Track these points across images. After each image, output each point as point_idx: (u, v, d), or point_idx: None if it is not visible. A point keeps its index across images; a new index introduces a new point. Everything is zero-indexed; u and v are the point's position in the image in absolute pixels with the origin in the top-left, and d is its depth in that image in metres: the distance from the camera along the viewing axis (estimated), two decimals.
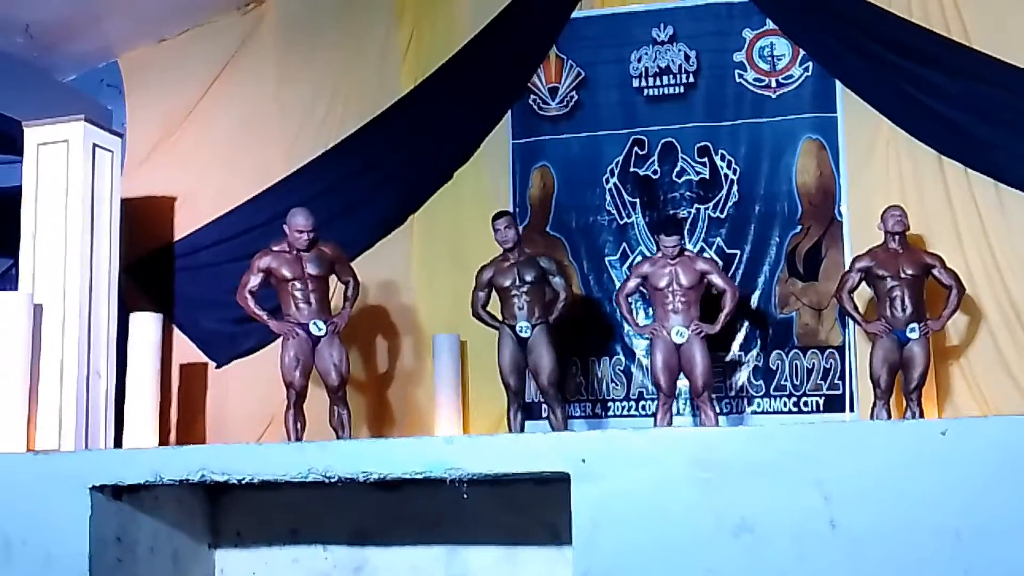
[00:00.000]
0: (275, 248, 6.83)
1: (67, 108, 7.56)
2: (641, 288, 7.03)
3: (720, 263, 7.34)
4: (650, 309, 7.24)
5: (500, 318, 7.00)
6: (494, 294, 7.06)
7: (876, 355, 6.72)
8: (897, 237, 6.73)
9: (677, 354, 6.78)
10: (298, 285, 6.75)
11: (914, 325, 6.62)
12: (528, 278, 6.90)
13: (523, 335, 6.86)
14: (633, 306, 7.25)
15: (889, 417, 6.64)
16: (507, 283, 6.94)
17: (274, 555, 4.42)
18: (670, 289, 6.81)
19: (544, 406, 7.20)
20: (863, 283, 6.86)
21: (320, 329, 6.72)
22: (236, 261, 8.14)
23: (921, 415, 6.62)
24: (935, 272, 6.74)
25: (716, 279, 6.87)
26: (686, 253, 6.97)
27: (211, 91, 8.49)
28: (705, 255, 7.41)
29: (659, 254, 6.93)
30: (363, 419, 7.74)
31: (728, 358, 7.57)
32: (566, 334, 7.42)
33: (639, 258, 7.67)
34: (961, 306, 6.85)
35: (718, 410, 7.07)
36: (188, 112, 8.52)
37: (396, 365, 8.06)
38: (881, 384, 6.68)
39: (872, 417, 6.68)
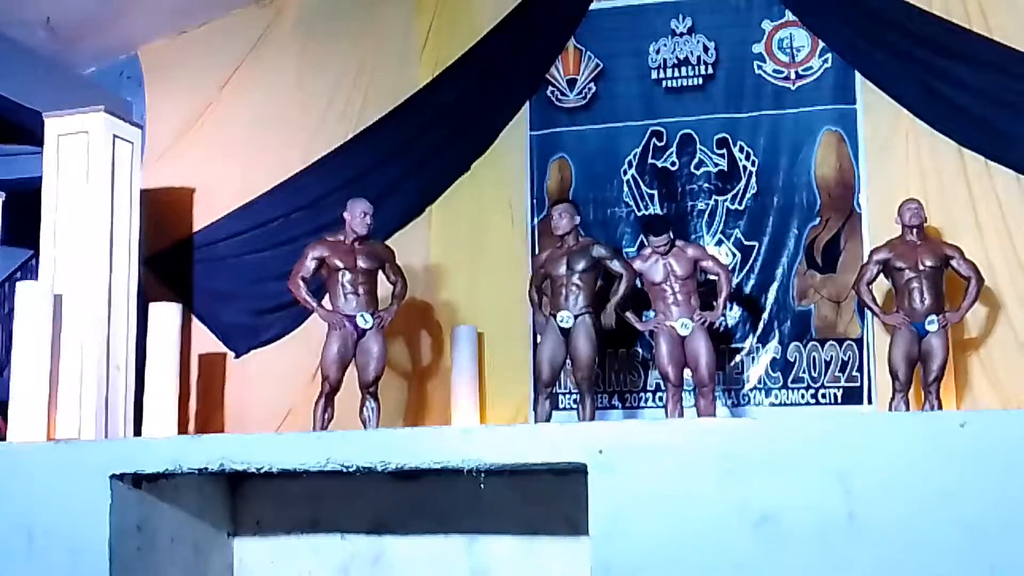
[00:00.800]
0: (330, 238, 6.92)
1: (87, 100, 7.59)
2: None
3: (706, 249, 7.31)
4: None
5: (549, 307, 6.98)
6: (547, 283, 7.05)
7: (895, 348, 6.69)
8: (915, 230, 6.71)
9: (682, 346, 6.79)
10: (348, 276, 6.83)
11: (933, 317, 6.59)
12: (579, 267, 6.89)
13: (563, 325, 6.84)
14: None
15: (908, 409, 6.62)
16: (559, 271, 6.93)
17: (293, 544, 4.43)
18: (667, 283, 6.84)
19: (563, 397, 7.20)
20: (881, 275, 6.84)
21: (367, 322, 6.79)
22: (255, 253, 8.20)
23: (940, 407, 6.59)
24: (954, 264, 6.71)
25: (707, 263, 6.92)
26: (676, 244, 6.96)
27: (230, 83, 8.52)
28: (700, 243, 7.38)
29: (648, 251, 6.93)
30: (387, 410, 7.73)
31: (746, 350, 7.56)
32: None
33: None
34: (981, 298, 6.82)
35: (735, 401, 7.06)
36: (207, 104, 8.55)
37: (414, 356, 8.08)
38: (900, 376, 6.66)
39: (890, 409, 6.67)
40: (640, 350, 7.78)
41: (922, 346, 6.65)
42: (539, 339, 7.12)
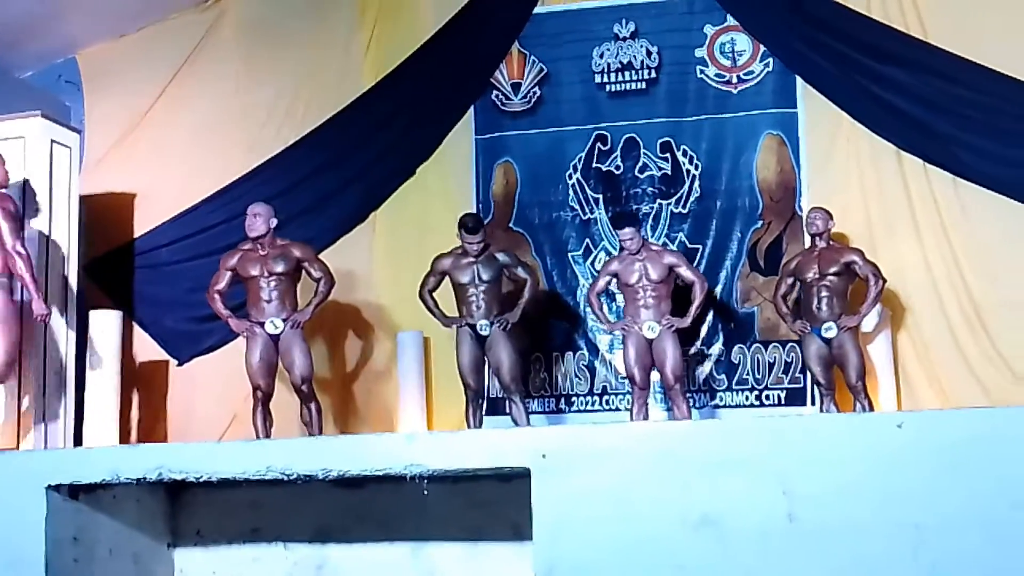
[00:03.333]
0: (243, 247, 6.88)
1: (24, 104, 7.46)
2: (609, 286, 7.08)
3: (684, 256, 7.36)
4: (619, 306, 7.27)
5: (458, 314, 6.99)
6: (447, 286, 7.06)
7: (807, 355, 6.88)
8: (817, 238, 6.86)
9: (649, 349, 6.83)
10: (262, 284, 6.78)
11: (830, 324, 6.71)
12: (486, 276, 6.92)
13: (483, 333, 6.88)
14: (604, 304, 7.26)
15: (838, 411, 6.73)
16: (465, 280, 6.94)
17: (234, 554, 4.38)
18: (640, 284, 6.88)
19: (507, 401, 7.20)
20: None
21: (276, 327, 6.74)
22: (196, 259, 8.11)
23: (870, 408, 6.69)
24: (854, 268, 6.80)
25: (684, 271, 6.94)
26: (652, 247, 7.02)
27: (171, 88, 8.43)
28: (670, 248, 7.45)
29: (625, 252, 6.96)
30: (327, 416, 7.69)
31: (692, 351, 7.60)
32: (529, 329, 7.44)
33: (603, 254, 7.71)
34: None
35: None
36: (148, 109, 8.45)
37: (360, 362, 8.04)
38: (821, 380, 6.84)
39: (821, 411, 6.82)
40: (586, 353, 7.80)
41: (834, 351, 6.75)
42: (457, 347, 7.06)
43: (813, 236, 6.91)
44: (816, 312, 6.77)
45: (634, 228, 6.95)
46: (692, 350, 7.58)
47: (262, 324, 6.75)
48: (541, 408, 7.75)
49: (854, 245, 7.10)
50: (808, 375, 7.32)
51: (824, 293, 6.76)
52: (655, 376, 6.99)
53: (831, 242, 6.89)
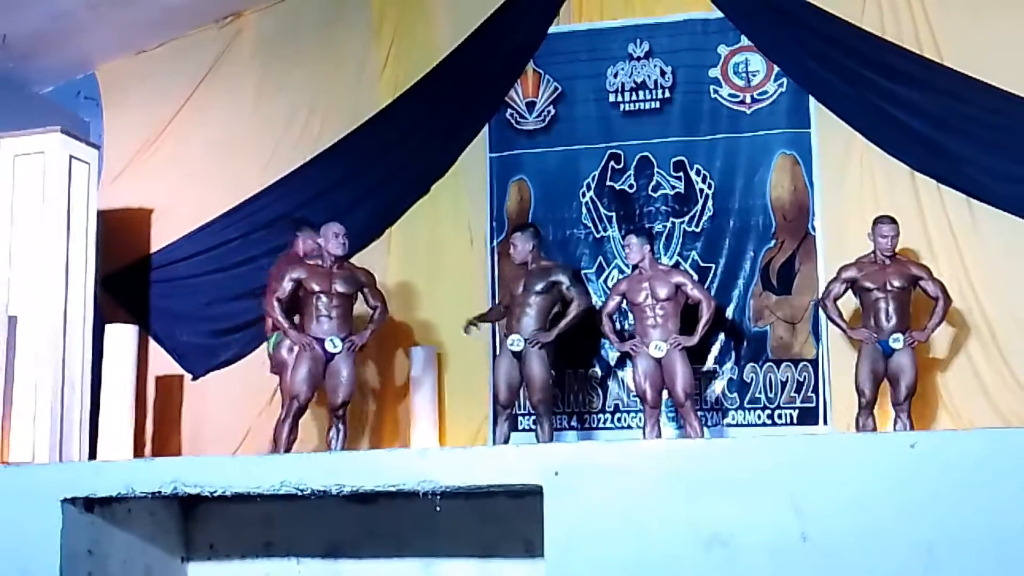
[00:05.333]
0: (308, 261, 6.91)
1: (44, 120, 7.54)
2: (622, 306, 7.08)
3: (695, 275, 7.38)
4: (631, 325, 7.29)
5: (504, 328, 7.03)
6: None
7: (861, 365, 6.70)
8: (884, 249, 6.71)
9: (659, 367, 6.82)
10: (324, 300, 6.80)
11: (898, 335, 6.61)
12: (536, 288, 6.92)
13: (514, 348, 6.87)
14: (616, 324, 7.26)
15: (874, 427, 6.64)
16: (516, 291, 6.97)
17: (247, 568, 4.38)
18: (647, 303, 6.88)
19: (521, 419, 7.22)
20: (849, 292, 6.85)
21: (336, 346, 6.76)
22: (212, 273, 8.17)
23: (911, 427, 6.58)
24: (922, 284, 6.74)
25: (690, 290, 6.93)
26: (660, 267, 7.03)
27: (189, 104, 8.50)
28: (680, 267, 7.46)
29: (636, 272, 6.97)
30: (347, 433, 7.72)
31: (704, 370, 7.60)
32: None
33: (615, 272, 7.73)
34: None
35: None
36: (166, 124, 8.52)
37: (372, 377, 8.06)
38: (866, 394, 6.67)
39: (857, 427, 6.66)
40: (599, 371, 7.81)
41: (889, 365, 6.65)
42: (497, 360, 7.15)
43: (882, 248, 6.71)
44: (884, 323, 6.66)
45: (640, 239, 6.95)
46: (704, 368, 7.58)
47: (319, 340, 6.76)
48: (555, 425, 7.74)
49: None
50: (821, 394, 7.31)
51: (892, 305, 6.65)
52: (666, 394, 6.99)
53: (897, 255, 6.77)
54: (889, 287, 6.68)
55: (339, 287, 6.84)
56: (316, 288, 6.79)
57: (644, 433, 6.90)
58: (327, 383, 6.83)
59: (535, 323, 6.89)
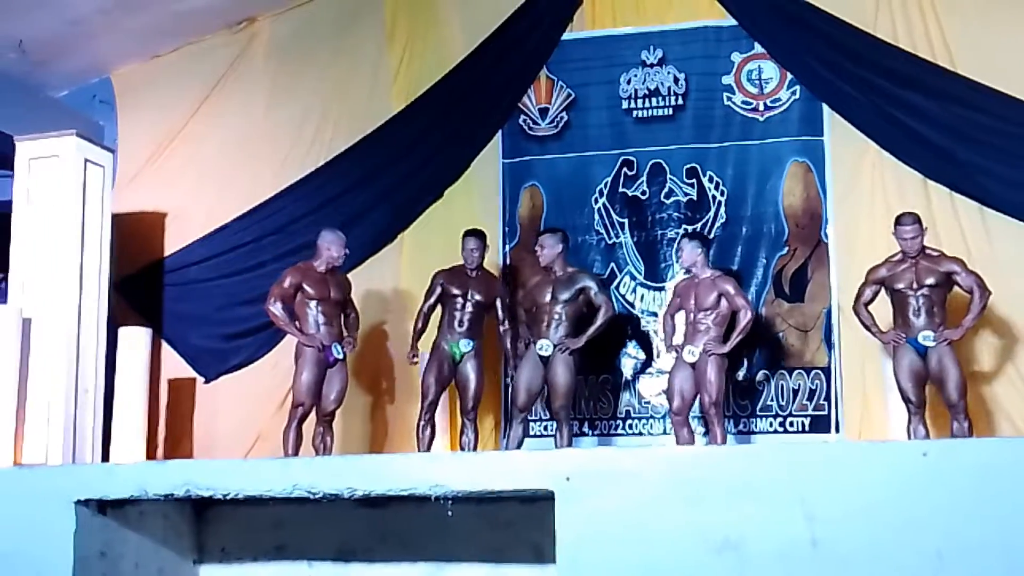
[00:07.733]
0: (302, 264, 6.93)
1: (59, 123, 7.59)
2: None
3: (737, 286, 7.20)
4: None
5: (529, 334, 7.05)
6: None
7: (899, 369, 6.44)
8: (911, 249, 6.48)
9: (692, 373, 6.78)
10: (321, 306, 6.82)
11: (928, 332, 6.37)
12: (564, 296, 6.93)
13: (543, 353, 6.88)
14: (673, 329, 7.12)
15: (927, 433, 6.38)
16: (543, 299, 6.97)
17: (258, 571, 4.40)
18: (690, 310, 6.85)
19: (532, 424, 7.22)
20: (879, 294, 6.65)
21: (339, 353, 6.84)
22: (225, 277, 8.20)
23: (970, 429, 6.28)
24: (956, 278, 6.47)
25: (734, 299, 6.81)
26: (709, 273, 6.91)
27: (203, 108, 8.54)
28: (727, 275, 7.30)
29: (691, 276, 6.94)
30: (353, 436, 7.74)
31: (739, 378, 7.56)
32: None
33: (627, 278, 7.77)
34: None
35: (705, 429, 7.07)
36: (180, 128, 8.56)
37: (385, 382, 8.08)
38: (912, 398, 6.40)
39: (908, 434, 6.39)
40: (611, 377, 7.80)
41: (930, 367, 6.38)
42: (518, 365, 7.12)
43: (904, 248, 6.48)
44: (913, 321, 6.41)
45: (693, 243, 6.92)
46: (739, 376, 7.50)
47: (327, 347, 6.78)
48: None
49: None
50: (832, 402, 7.30)
51: (922, 303, 6.40)
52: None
53: (927, 250, 6.52)
54: (919, 285, 6.43)
55: (334, 293, 6.89)
56: (313, 293, 6.83)
57: (677, 438, 6.86)
58: (323, 389, 6.86)
59: (564, 330, 6.90)
